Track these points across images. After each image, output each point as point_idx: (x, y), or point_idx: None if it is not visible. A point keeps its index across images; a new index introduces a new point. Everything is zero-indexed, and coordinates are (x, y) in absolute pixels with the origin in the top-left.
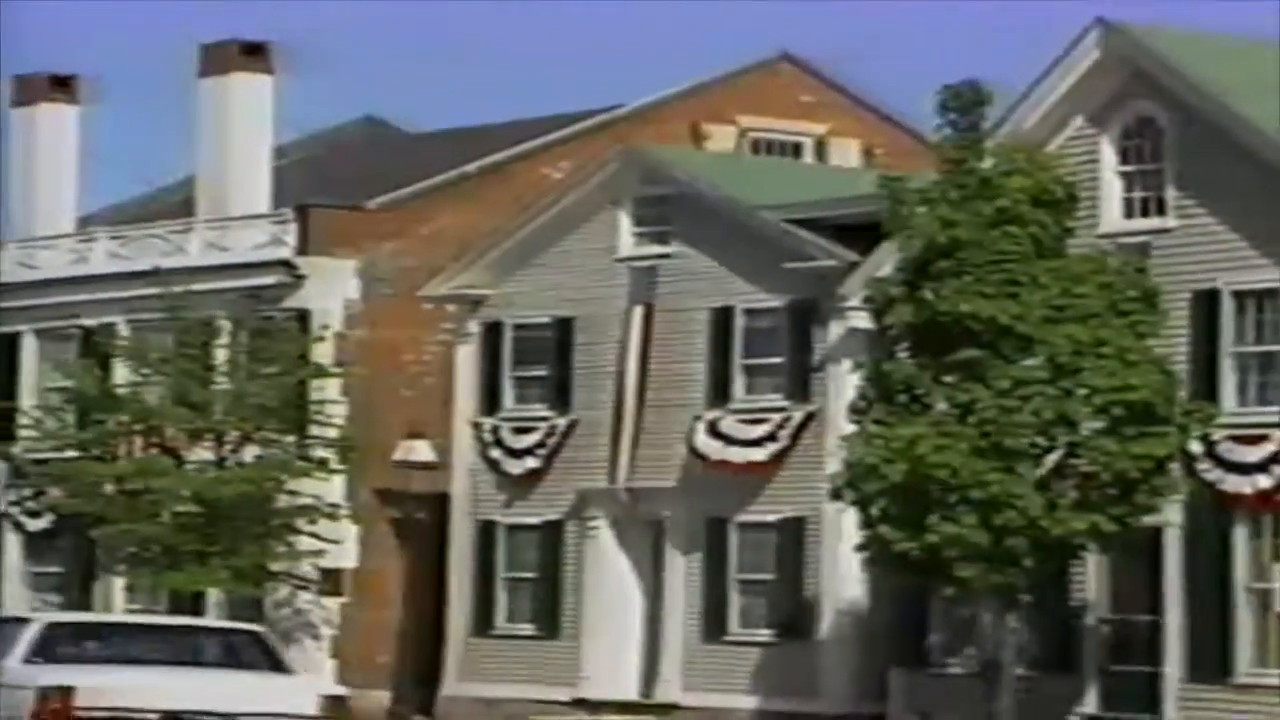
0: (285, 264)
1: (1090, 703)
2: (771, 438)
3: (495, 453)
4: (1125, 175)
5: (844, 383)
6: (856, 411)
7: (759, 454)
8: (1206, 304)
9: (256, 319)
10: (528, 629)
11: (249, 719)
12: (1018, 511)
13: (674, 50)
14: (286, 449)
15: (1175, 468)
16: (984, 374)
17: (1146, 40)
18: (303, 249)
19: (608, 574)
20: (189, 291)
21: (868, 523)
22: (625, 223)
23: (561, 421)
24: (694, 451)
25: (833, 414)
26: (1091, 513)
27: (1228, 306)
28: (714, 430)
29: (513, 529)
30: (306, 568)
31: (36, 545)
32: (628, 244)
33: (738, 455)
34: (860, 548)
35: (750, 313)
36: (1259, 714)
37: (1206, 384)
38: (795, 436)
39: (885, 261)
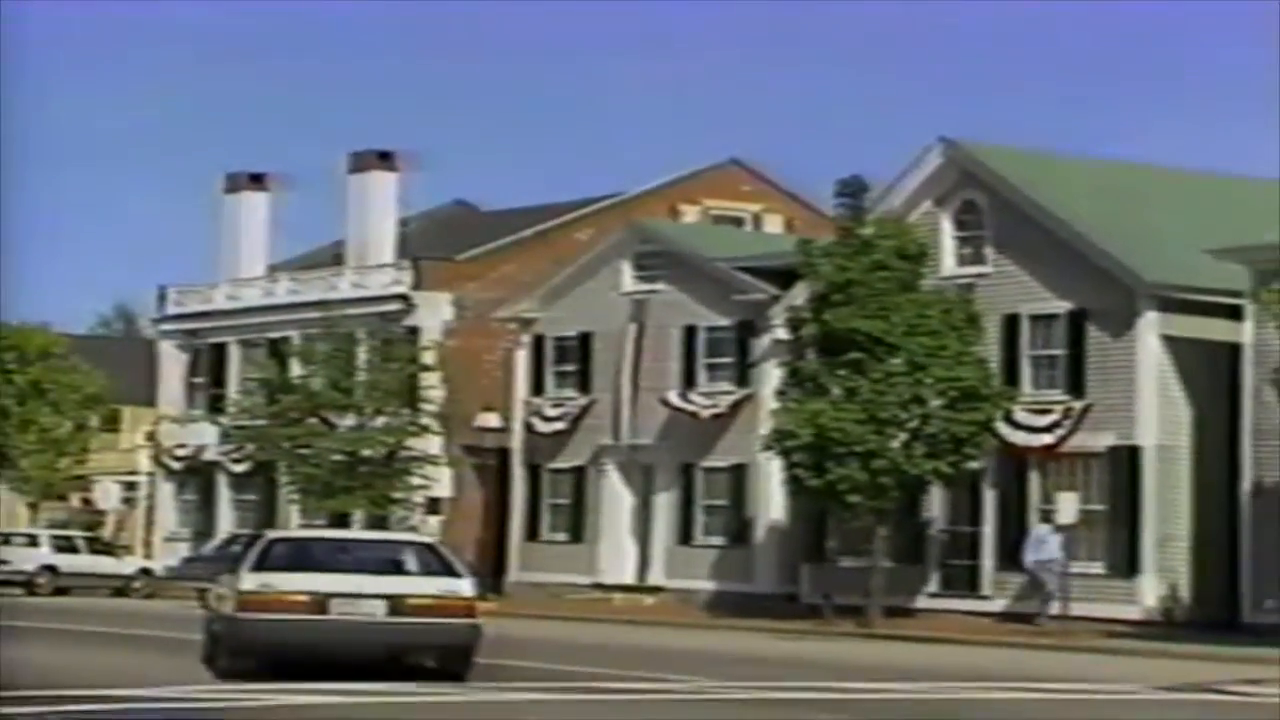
0: (403, 297)
1: (933, 584)
2: (721, 411)
3: (539, 422)
4: (958, 239)
5: (771, 375)
6: (779, 394)
7: (715, 418)
8: (1011, 324)
9: (384, 333)
10: (562, 537)
11: (422, 598)
12: (887, 459)
13: (661, 151)
14: (403, 419)
15: (989, 431)
16: (865, 369)
17: (971, 151)
18: (416, 286)
19: (615, 501)
20: (341, 315)
21: (788, 467)
22: (627, 270)
23: (583, 400)
24: (672, 417)
25: (764, 396)
26: (935, 460)
27: (1025, 325)
28: (686, 405)
29: (552, 471)
30: (417, 497)
31: (239, 483)
32: (629, 284)
33: (704, 418)
34: (783, 484)
35: (709, 329)
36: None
37: (1010, 376)
38: (736, 410)
39: (799, 295)
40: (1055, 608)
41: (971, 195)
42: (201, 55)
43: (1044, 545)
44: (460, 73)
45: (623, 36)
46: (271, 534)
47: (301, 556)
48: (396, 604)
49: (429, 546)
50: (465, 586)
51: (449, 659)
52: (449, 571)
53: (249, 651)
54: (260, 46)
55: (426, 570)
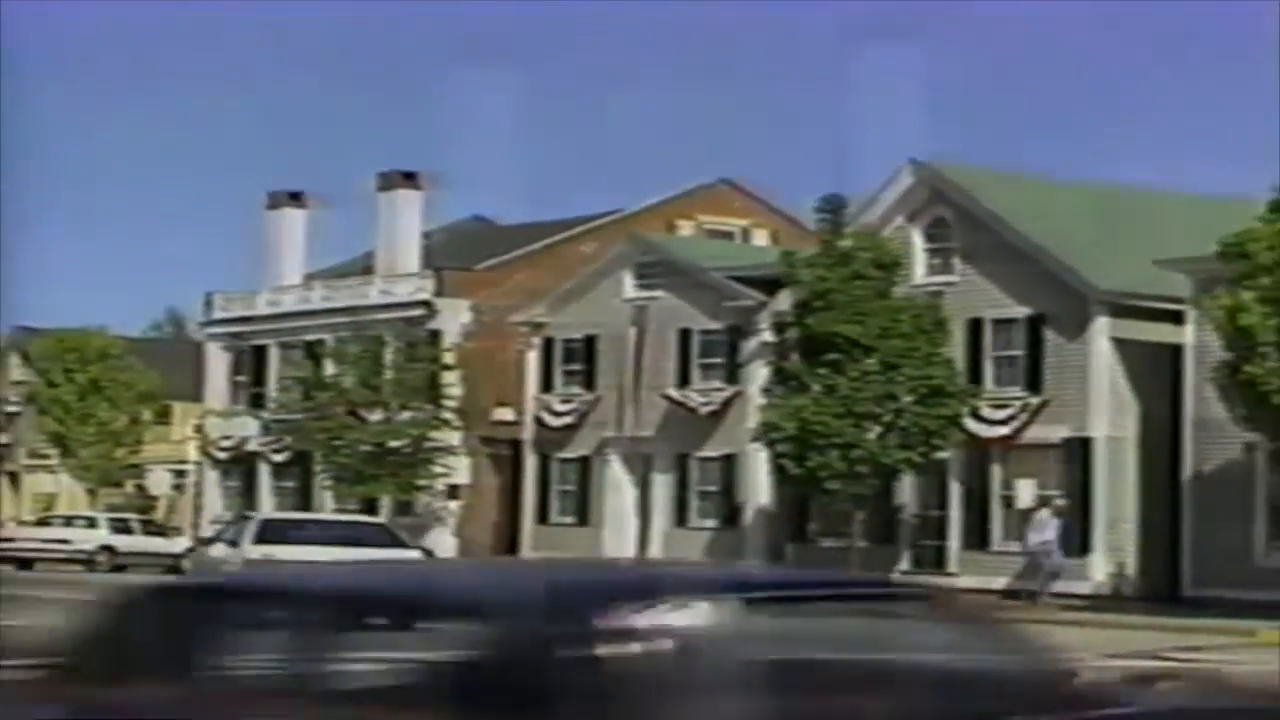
0: (426, 303)
1: (905, 563)
2: (715, 407)
3: (549, 416)
4: (928, 250)
5: (758, 374)
6: (766, 391)
7: (708, 413)
8: (975, 327)
9: (409, 336)
10: (570, 520)
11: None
12: (863, 450)
13: (658, 172)
14: (426, 414)
15: (955, 424)
16: (843, 369)
17: (940, 171)
18: (438, 294)
19: (617, 488)
20: (370, 320)
21: (773, 457)
22: (629, 279)
23: (589, 397)
24: (669, 411)
25: (751, 393)
26: (907, 450)
27: (988, 329)
28: (681, 401)
29: (560, 461)
30: (439, 484)
31: (278, 471)
32: (630, 291)
33: (698, 409)
34: (769, 472)
35: (703, 332)
36: (1007, 571)
37: (975, 374)
38: (727, 405)
39: (784, 302)
40: (1057, 585)
41: (940, 211)
42: (245, 87)
43: (1045, 528)
44: (479, 103)
45: (624, 69)
46: (260, 515)
47: (287, 533)
48: None
49: (383, 526)
50: (412, 555)
51: None
52: (397, 544)
53: None
54: (297, 80)
55: (381, 543)
